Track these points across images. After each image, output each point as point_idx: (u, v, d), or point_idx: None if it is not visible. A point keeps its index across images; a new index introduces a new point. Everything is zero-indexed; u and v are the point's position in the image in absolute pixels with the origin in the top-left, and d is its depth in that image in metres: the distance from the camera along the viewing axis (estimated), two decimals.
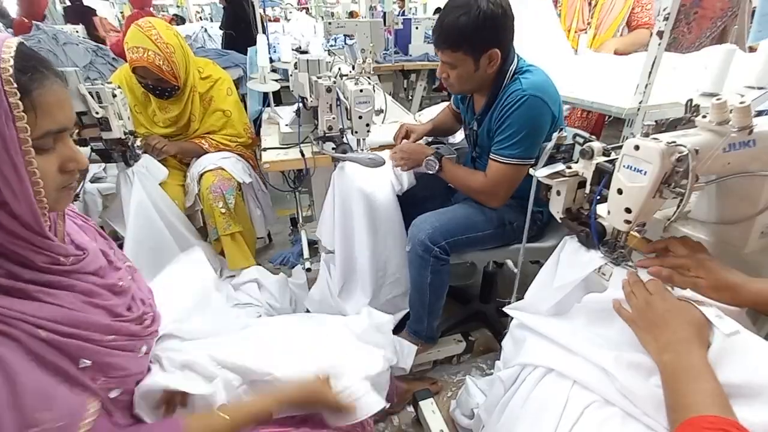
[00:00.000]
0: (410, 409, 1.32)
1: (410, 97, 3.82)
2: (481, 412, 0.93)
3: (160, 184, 1.52)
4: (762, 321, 0.84)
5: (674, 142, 0.62)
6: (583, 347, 0.72)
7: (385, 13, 3.70)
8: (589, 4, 2.02)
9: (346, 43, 3.66)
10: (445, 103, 1.61)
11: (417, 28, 3.68)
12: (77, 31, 3.28)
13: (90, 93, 1.16)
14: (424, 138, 1.51)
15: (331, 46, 3.55)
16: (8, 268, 0.51)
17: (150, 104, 1.65)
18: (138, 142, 1.40)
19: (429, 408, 1.24)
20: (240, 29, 3.35)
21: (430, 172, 1.26)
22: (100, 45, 2.78)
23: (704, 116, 0.67)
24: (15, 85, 0.46)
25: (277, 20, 4.90)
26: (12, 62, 0.46)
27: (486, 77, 1.15)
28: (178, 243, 1.55)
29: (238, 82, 2.76)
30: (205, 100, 1.68)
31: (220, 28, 3.82)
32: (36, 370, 0.48)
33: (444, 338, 1.47)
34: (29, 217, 0.51)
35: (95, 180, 1.84)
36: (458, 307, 1.68)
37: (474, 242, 1.27)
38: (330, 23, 3.45)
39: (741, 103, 0.61)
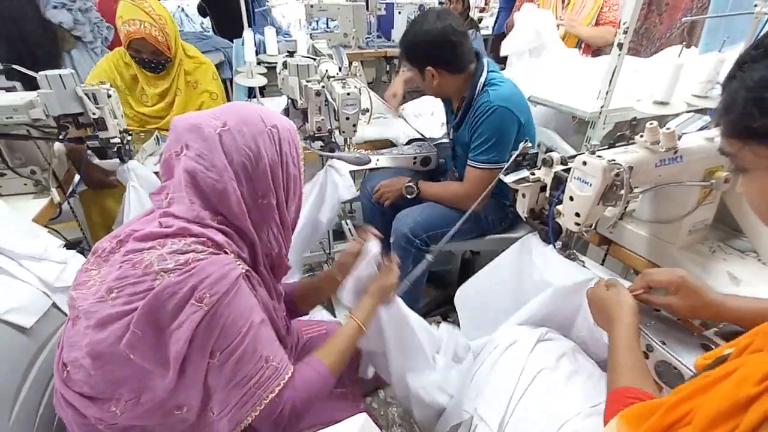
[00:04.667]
0: None
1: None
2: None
3: None
4: None
5: (614, 159, 0.74)
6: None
7: None
8: (563, 2, 2.12)
9: (328, 27, 3.66)
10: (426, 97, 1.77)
11: (400, 12, 3.68)
12: None
13: (86, 94, 1.21)
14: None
15: (313, 29, 3.54)
16: (257, 260, 0.70)
17: (137, 84, 1.70)
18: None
19: None
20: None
21: (410, 197, 1.42)
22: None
23: (641, 136, 0.79)
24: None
25: None
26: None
27: (439, 89, 1.32)
28: None
29: (220, 67, 2.75)
30: (190, 81, 1.73)
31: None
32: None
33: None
34: (295, 213, 0.75)
35: None
36: (438, 292, 1.82)
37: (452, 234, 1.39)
38: (312, 6, 3.43)
39: (667, 129, 0.73)
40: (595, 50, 2.17)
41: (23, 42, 2.19)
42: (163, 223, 0.63)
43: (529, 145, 0.96)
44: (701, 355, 0.59)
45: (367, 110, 1.42)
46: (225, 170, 0.63)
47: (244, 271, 0.63)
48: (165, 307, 0.57)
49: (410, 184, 1.42)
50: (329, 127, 1.35)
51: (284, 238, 0.74)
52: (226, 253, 0.63)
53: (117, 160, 1.35)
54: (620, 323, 0.67)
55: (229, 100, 2.66)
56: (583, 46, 2.17)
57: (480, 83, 1.27)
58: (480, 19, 4.83)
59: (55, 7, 2.18)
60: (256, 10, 3.28)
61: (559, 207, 0.87)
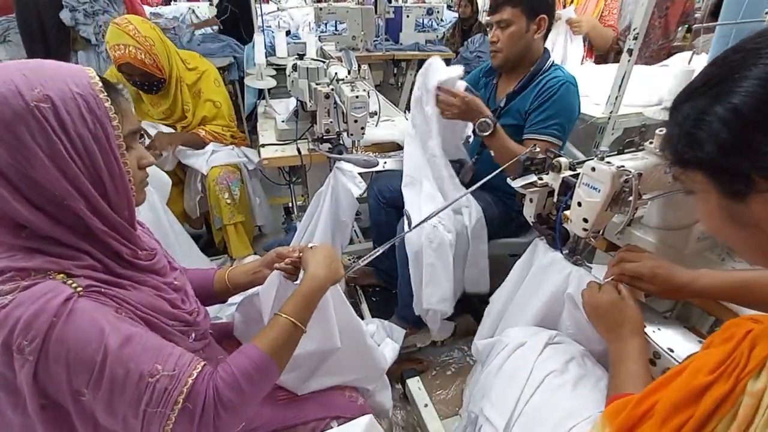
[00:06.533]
0: (398, 386, 1.47)
1: (400, 84, 3.86)
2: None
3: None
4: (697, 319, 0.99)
5: (623, 166, 0.74)
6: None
7: (376, 0, 3.70)
8: (563, 5, 2.14)
9: (336, 30, 3.69)
10: None
11: (408, 16, 3.71)
12: None
13: None
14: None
15: (322, 32, 3.57)
16: (106, 263, 0.60)
17: (142, 101, 1.71)
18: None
19: (415, 385, 1.39)
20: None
21: (484, 133, 1.23)
22: None
23: (650, 142, 0.79)
24: (106, 94, 0.57)
25: (267, 1, 4.83)
26: (99, 80, 0.57)
27: (529, 45, 1.29)
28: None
29: (228, 69, 2.76)
30: (194, 91, 1.74)
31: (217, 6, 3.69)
32: (149, 332, 0.59)
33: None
34: (125, 208, 0.61)
35: None
36: None
37: None
38: (321, 9, 3.45)
39: None
40: (597, 56, 2.17)
41: (44, 42, 2.27)
42: None
43: (537, 150, 0.96)
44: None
45: (375, 113, 1.43)
46: None
47: (79, 289, 0.54)
48: None
49: (488, 120, 1.22)
50: (338, 130, 1.37)
51: (123, 243, 0.62)
52: (50, 277, 0.54)
53: None
54: (629, 341, 0.70)
55: (236, 101, 2.68)
56: (585, 50, 2.18)
57: (549, 62, 1.30)
58: (489, 24, 4.83)
59: (65, 7, 2.26)
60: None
61: (567, 212, 0.87)
